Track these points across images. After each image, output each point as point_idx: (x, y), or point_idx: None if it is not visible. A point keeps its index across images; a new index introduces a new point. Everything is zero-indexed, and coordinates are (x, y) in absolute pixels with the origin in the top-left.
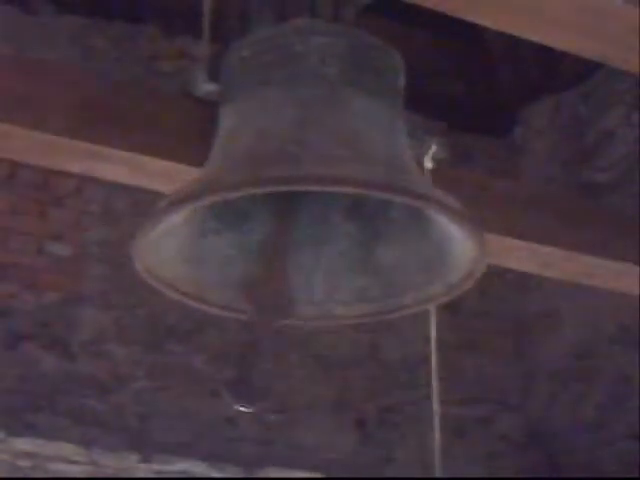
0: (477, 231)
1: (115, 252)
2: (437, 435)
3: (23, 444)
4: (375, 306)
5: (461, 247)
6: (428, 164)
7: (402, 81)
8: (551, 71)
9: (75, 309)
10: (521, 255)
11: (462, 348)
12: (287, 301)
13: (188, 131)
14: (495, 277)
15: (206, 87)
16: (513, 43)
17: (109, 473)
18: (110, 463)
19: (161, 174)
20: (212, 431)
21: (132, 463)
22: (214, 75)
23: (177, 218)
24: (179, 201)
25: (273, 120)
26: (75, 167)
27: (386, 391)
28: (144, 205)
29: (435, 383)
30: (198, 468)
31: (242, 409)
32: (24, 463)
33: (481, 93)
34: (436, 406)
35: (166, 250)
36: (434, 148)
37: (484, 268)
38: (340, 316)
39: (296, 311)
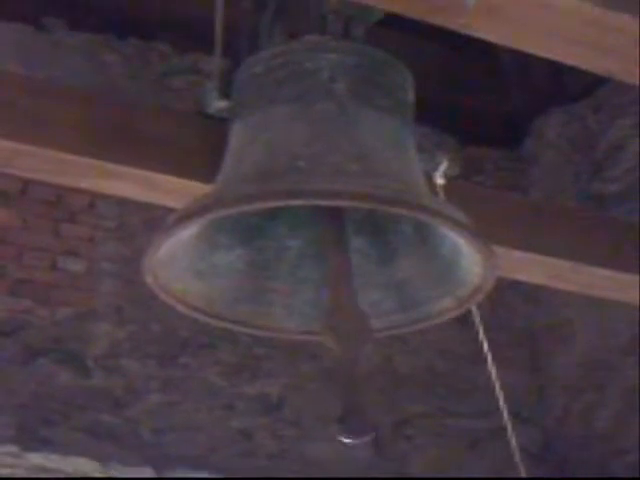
0: (486, 246)
1: (129, 267)
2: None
3: (38, 459)
4: (387, 320)
5: (470, 262)
6: (439, 180)
7: (412, 97)
8: (561, 83)
9: (89, 324)
10: (530, 268)
11: (475, 360)
12: (367, 324)
13: (200, 148)
14: (507, 289)
15: (218, 104)
16: (523, 56)
17: None
18: (125, 477)
19: (173, 191)
20: (226, 444)
21: (147, 477)
22: (226, 92)
23: (188, 233)
24: (188, 216)
25: (283, 136)
26: (87, 185)
27: (400, 404)
28: (158, 221)
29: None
30: None
31: (350, 441)
32: None
33: (492, 105)
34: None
35: (177, 264)
36: (445, 164)
37: (493, 282)
38: None
39: (374, 332)
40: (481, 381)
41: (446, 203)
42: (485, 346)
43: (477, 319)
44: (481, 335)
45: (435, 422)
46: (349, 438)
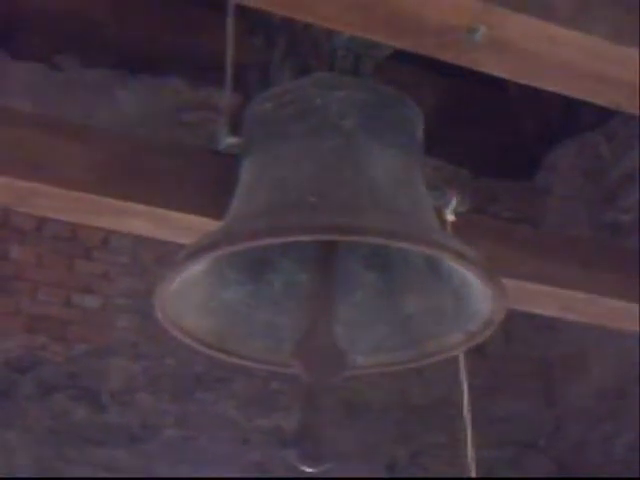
0: (495, 280)
1: (143, 303)
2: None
3: None
4: (396, 355)
5: (480, 296)
6: (449, 217)
7: (421, 132)
8: (573, 113)
9: (104, 360)
10: (542, 300)
11: (490, 391)
12: (340, 355)
13: (211, 185)
14: (521, 319)
15: (228, 140)
16: (535, 87)
17: None
18: None
19: (186, 228)
20: (243, 478)
21: None
22: (236, 128)
23: (198, 268)
24: (197, 251)
25: (292, 172)
26: (100, 222)
27: (416, 435)
28: (171, 256)
29: (468, 430)
30: None
31: (307, 469)
32: None
33: (504, 137)
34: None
35: (188, 300)
36: (455, 201)
37: (503, 316)
38: (362, 366)
39: (349, 364)
40: (496, 412)
41: (455, 238)
42: (463, 380)
43: (461, 363)
44: (463, 379)
45: (451, 452)
46: (304, 465)
